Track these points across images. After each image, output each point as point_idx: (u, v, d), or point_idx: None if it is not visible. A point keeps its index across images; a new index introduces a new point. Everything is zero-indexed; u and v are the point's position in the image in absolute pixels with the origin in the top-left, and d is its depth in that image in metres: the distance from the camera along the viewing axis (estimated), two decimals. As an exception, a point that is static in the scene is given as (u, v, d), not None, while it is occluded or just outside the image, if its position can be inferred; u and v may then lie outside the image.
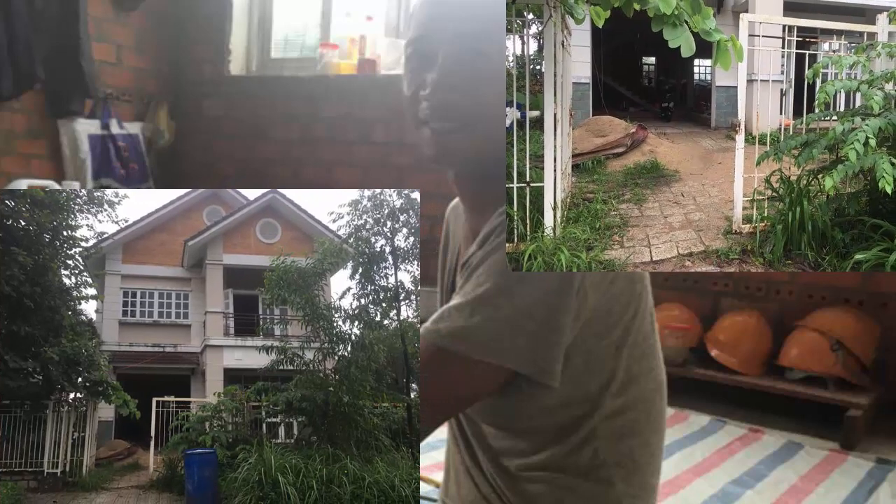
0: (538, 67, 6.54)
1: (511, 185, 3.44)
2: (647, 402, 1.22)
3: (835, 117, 3.57)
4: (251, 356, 6.12)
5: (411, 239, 4.74)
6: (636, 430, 1.21)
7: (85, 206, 5.18)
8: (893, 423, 3.02)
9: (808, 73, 3.52)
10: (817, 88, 3.35)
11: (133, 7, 5.47)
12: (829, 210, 3.40)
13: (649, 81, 19.37)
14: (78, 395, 5.22)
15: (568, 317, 1.07)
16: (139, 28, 5.59)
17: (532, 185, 3.45)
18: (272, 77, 5.57)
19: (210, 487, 4.03)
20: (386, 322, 4.83)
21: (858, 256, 2.89)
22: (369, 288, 4.79)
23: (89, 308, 6.94)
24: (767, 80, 5.00)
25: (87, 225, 5.22)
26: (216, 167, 5.62)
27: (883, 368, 3.19)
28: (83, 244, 5.25)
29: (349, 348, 4.66)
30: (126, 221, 7.74)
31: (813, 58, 4.43)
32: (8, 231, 4.45)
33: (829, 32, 5.05)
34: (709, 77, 14.06)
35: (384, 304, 4.76)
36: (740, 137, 3.90)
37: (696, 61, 17.51)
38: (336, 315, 4.73)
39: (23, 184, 4.58)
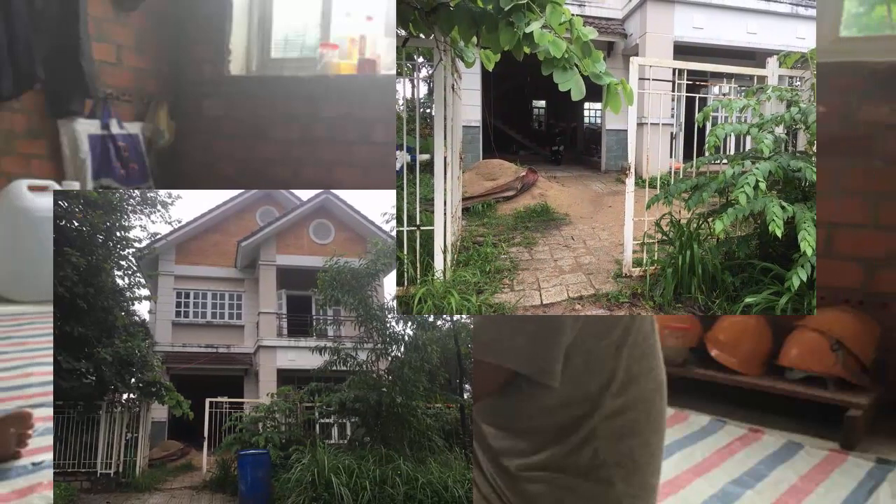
0: (428, 111, 6.60)
1: (401, 229, 3.45)
2: (647, 402, 1.23)
3: (725, 161, 3.59)
4: (304, 357, 6.13)
5: None
6: (636, 430, 1.21)
7: (138, 207, 5.17)
8: (893, 423, 3.02)
9: (698, 116, 3.53)
10: (707, 132, 3.37)
11: (133, 7, 5.47)
12: (720, 253, 3.42)
13: (539, 125, 19.57)
14: (131, 395, 5.21)
15: (568, 317, 1.08)
16: (139, 28, 5.59)
17: (422, 228, 3.47)
18: (272, 77, 5.57)
19: (263, 488, 4.03)
20: (439, 323, 4.83)
21: (749, 300, 2.90)
22: None
23: (142, 309, 6.97)
24: (658, 124, 5.02)
25: (141, 225, 5.21)
26: (216, 167, 5.62)
27: (883, 368, 3.19)
28: (136, 245, 5.24)
29: (402, 349, 4.66)
30: (179, 222, 7.83)
31: (703, 101, 4.46)
32: (61, 232, 4.45)
33: (719, 76, 5.07)
34: (599, 120, 14.24)
35: None
36: (630, 181, 3.92)
37: (587, 105, 17.72)
38: (389, 316, 4.72)
39: (23, 184, 4.58)
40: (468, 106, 8.97)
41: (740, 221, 3.47)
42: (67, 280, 4.19)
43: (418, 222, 3.46)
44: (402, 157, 3.95)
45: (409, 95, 4.80)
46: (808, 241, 2.64)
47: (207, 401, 5.78)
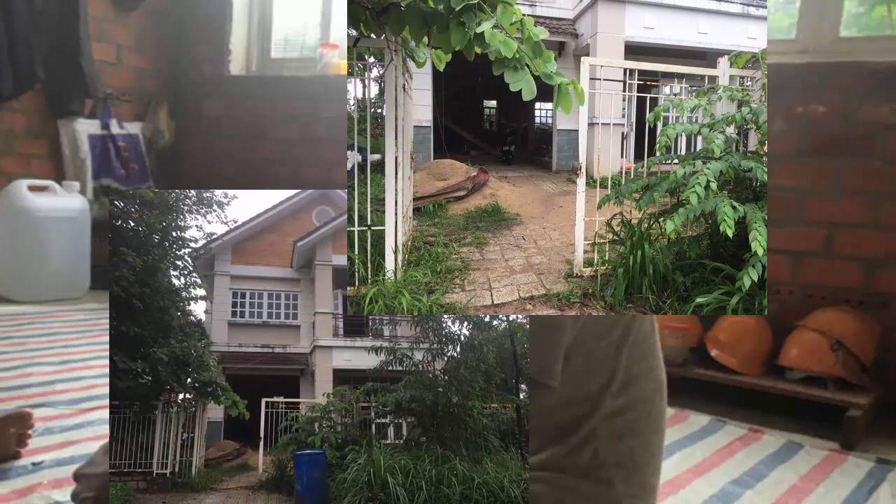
0: (379, 111, 6.61)
1: (352, 229, 3.46)
2: (647, 402, 1.23)
3: (676, 161, 3.60)
4: (360, 357, 6.12)
5: None
6: (636, 430, 1.21)
7: (194, 207, 5.18)
8: (893, 423, 3.02)
9: (649, 116, 3.53)
10: (658, 132, 3.36)
11: (133, 7, 5.48)
12: (671, 253, 3.42)
13: (490, 125, 19.62)
14: (187, 395, 5.21)
15: (568, 317, 1.08)
16: (139, 28, 5.59)
17: (373, 228, 3.47)
18: (272, 77, 5.57)
19: (319, 488, 4.03)
20: (495, 323, 4.82)
21: (700, 300, 2.90)
22: None
23: (198, 309, 6.99)
24: (609, 124, 5.04)
25: (197, 226, 5.23)
26: (216, 167, 5.62)
27: (883, 368, 3.19)
28: (192, 245, 5.25)
29: (458, 349, 4.66)
30: (235, 222, 7.88)
31: (654, 101, 4.46)
32: (118, 232, 4.45)
33: (670, 76, 5.07)
34: (550, 120, 14.27)
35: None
36: (581, 181, 3.92)
37: (538, 105, 17.74)
38: (445, 315, 4.71)
39: (23, 184, 4.58)
40: (419, 106, 8.99)
41: (691, 221, 3.48)
42: (123, 280, 4.18)
43: (369, 222, 3.48)
44: (353, 157, 3.97)
45: (360, 95, 4.83)
46: (758, 241, 2.64)
47: (263, 401, 5.79)
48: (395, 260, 3.50)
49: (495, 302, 3.61)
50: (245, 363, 7.83)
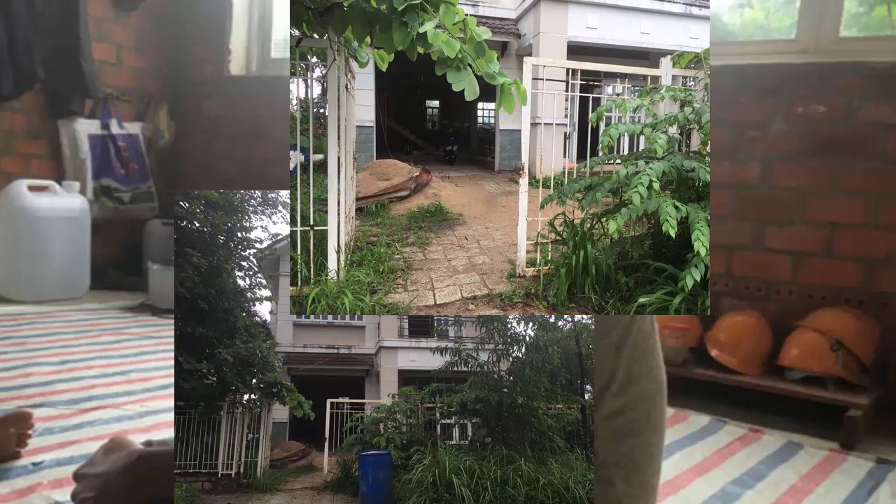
0: (322, 111, 6.62)
1: (295, 229, 3.46)
2: (647, 402, 1.22)
3: (618, 161, 3.60)
4: (425, 358, 6.12)
5: None
6: (636, 430, 1.21)
7: (259, 208, 5.16)
8: (893, 423, 3.02)
9: (591, 116, 3.53)
10: (601, 132, 3.37)
11: (133, 7, 5.47)
12: (613, 253, 3.42)
13: (433, 125, 19.66)
14: (252, 396, 5.21)
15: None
16: (139, 28, 5.59)
17: (316, 228, 3.48)
18: (272, 77, 5.57)
19: (384, 489, 4.03)
20: (560, 324, 4.82)
21: (642, 300, 2.91)
22: None
23: (264, 309, 6.99)
24: (551, 124, 5.04)
25: (262, 226, 5.19)
26: (216, 167, 5.62)
27: (883, 368, 3.19)
28: (257, 245, 5.25)
29: (524, 350, 4.66)
30: None
31: (597, 101, 4.47)
32: (183, 233, 4.45)
33: (612, 75, 5.08)
34: (492, 120, 14.32)
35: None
36: (524, 181, 3.93)
37: (480, 105, 17.79)
38: (511, 316, 4.71)
39: (23, 184, 4.58)
40: (362, 106, 9.00)
41: (634, 221, 3.49)
42: (188, 281, 4.18)
43: (312, 222, 3.49)
44: (296, 157, 3.97)
45: (302, 95, 4.83)
46: (701, 241, 2.64)
47: (328, 401, 5.80)
48: (338, 260, 3.52)
49: (438, 302, 3.63)
50: (310, 364, 7.83)
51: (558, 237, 3.79)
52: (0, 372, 3.17)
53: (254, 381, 4.95)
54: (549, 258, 3.87)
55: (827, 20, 3.40)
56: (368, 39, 3.01)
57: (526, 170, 3.92)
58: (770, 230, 3.55)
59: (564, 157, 8.02)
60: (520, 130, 4.05)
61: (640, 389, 1.20)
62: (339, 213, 3.51)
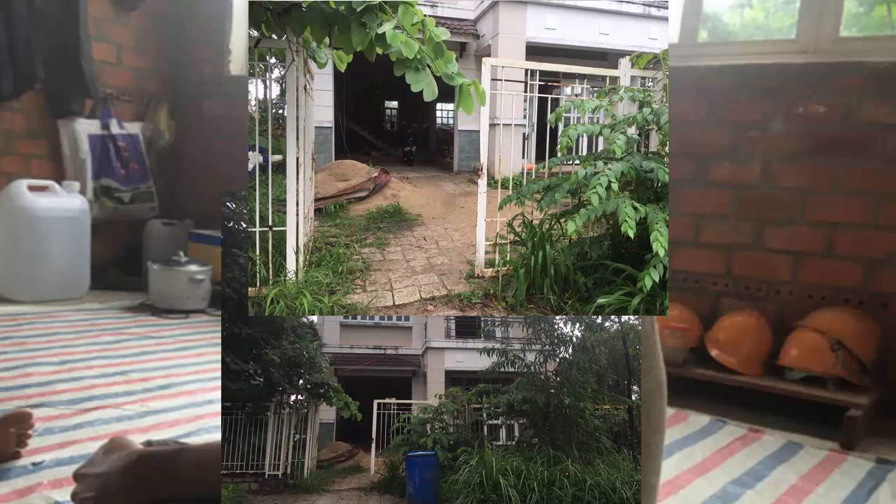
0: (281, 111, 6.62)
1: (254, 230, 3.47)
2: (647, 402, 1.23)
3: (577, 161, 3.60)
4: (472, 358, 6.10)
5: None
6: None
7: None
8: (893, 423, 3.02)
9: (550, 117, 3.53)
10: (560, 132, 3.36)
11: (133, 7, 5.48)
12: (572, 254, 3.42)
13: (392, 125, 19.71)
14: (299, 396, 5.19)
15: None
16: (139, 28, 5.59)
17: (274, 229, 3.48)
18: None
19: (431, 490, 4.01)
20: (607, 324, 4.79)
21: (601, 300, 2.90)
22: None
23: None
24: (510, 124, 5.04)
25: None
26: (216, 167, 5.62)
27: (883, 368, 3.19)
28: None
29: (570, 350, 4.63)
30: None
31: (556, 102, 4.47)
32: (229, 233, 4.44)
33: (571, 76, 5.07)
34: (451, 121, 14.36)
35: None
36: (482, 181, 3.93)
37: (439, 105, 17.83)
38: (557, 317, 4.69)
39: (23, 184, 4.59)
40: (321, 107, 9.01)
41: (593, 222, 3.49)
42: (235, 281, 4.17)
43: (270, 223, 3.49)
44: (255, 158, 3.98)
45: (261, 96, 4.84)
46: (660, 242, 2.64)
47: (375, 402, 5.77)
48: (297, 261, 3.53)
49: (397, 303, 3.63)
50: (357, 364, 7.81)
51: (517, 238, 3.80)
52: (0, 372, 3.17)
53: (301, 381, 4.95)
54: (508, 259, 3.88)
55: (827, 20, 3.40)
56: (327, 40, 3.02)
57: (484, 170, 3.94)
58: (770, 230, 3.55)
59: (523, 157, 8.03)
60: (478, 131, 4.06)
61: (640, 389, 1.20)
62: (297, 214, 3.53)
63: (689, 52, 3.77)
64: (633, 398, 4.65)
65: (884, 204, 3.24)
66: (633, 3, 11.05)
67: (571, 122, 3.95)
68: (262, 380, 4.50)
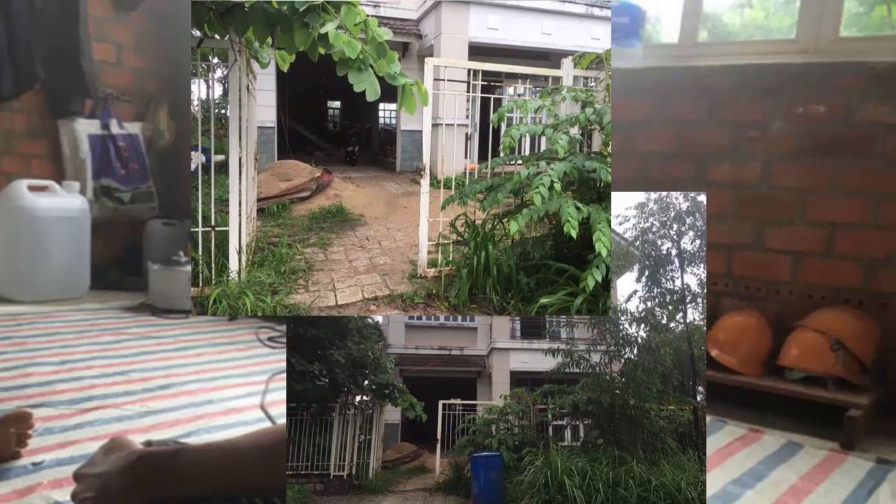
0: (223, 111, 6.63)
1: (196, 230, 3.47)
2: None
3: (520, 161, 3.60)
4: (537, 359, 6.10)
5: (697, 242, 4.65)
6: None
7: None
8: (893, 423, 3.02)
9: (493, 117, 3.53)
10: (502, 132, 3.37)
11: (133, 7, 5.48)
12: (515, 254, 3.44)
13: (334, 125, 19.76)
14: (364, 397, 5.21)
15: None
16: (139, 28, 5.59)
17: (217, 229, 3.48)
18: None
19: (496, 490, 4.02)
20: (672, 325, 4.81)
21: (543, 300, 2.91)
22: (655, 291, 4.75)
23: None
24: (453, 124, 5.06)
25: None
26: (216, 167, 5.62)
27: (883, 368, 3.19)
28: None
29: (635, 351, 4.65)
30: None
31: (498, 102, 4.47)
32: None
33: (514, 76, 5.08)
34: (394, 121, 14.41)
35: (670, 307, 4.73)
36: (425, 181, 3.93)
37: (382, 105, 17.87)
38: (622, 318, 4.71)
39: (23, 184, 4.58)
40: (263, 107, 9.04)
41: (535, 222, 3.49)
42: None
43: (213, 223, 3.49)
44: (198, 158, 3.99)
45: (203, 96, 4.86)
46: (602, 242, 2.64)
47: (440, 403, 5.78)
48: (240, 261, 3.54)
49: (339, 303, 3.64)
50: (422, 365, 7.82)
51: (459, 238, 3.82)
52: (0, 372, 3.17)
53: (366, 382, 4.97)
54: (451, 259, 3.88)
55: (827, 20, 3.40)
56: (270, 40, 3.03)
57: (427, 170, 3.95)
58: (770, 230, 3.55)
59: (466, 157, 8.06)
60: (421, 131, 4.08)
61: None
62: (240, 214, 3.53)
63: (689, 52, 3.77)
64: (699, 399, 4.65)
65: (884, 204, 3.24)
66: (575, 3, 11.09)
67: (514, 122, 3.97)
68: (327, 380, 4.53)
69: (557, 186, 2.80)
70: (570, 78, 4.17)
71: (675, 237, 4.73)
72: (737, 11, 4.10)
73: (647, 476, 3.52)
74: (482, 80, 4.14)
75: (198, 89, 4.79)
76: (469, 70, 4.25)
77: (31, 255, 4.57)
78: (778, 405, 3.18)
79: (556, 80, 4.27)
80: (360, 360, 4.69)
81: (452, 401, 5.88)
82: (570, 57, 4.21)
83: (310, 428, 4.86)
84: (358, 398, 5.18)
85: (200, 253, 3.50)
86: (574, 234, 2.71)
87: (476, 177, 4.13)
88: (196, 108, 4.97)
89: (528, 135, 3.30)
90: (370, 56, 2.73)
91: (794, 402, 3.13)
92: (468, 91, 4.37)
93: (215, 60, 4.36)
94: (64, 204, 4.73)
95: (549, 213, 2.96)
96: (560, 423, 5.23)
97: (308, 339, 4.31)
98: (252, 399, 3.01)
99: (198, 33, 3.28)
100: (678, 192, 4.37)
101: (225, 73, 4.02)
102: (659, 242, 4.80)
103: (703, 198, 3.93)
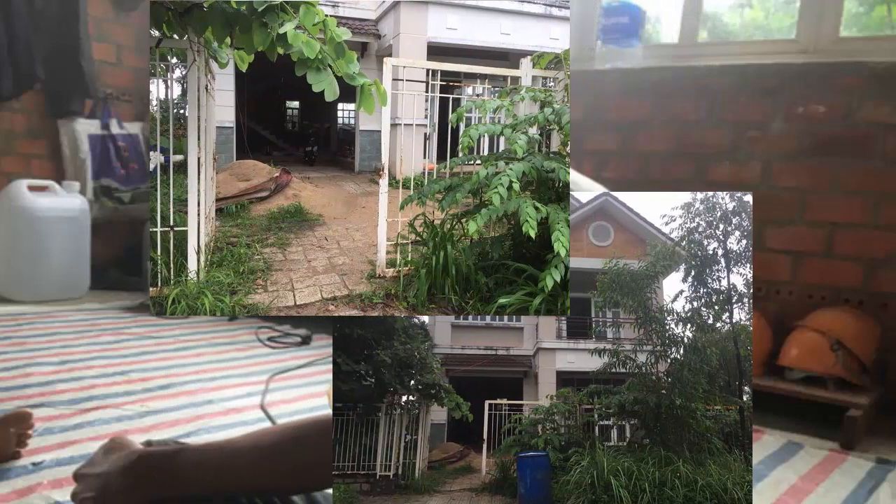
0: (182, 111, 6.64)
1: (155, 230, 3.48)
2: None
3: (478, 161, 3.61)
4: (583, 359, 6.10)
5: (744, 241, 4.64)
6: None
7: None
8: (893, 423, 3.02)
9: (451, 117, 3.54)
10: (461, 132, 3.37)
11: (133, 7, 5.47)
12: (473, 254, 3.44)
13: (293, 125, 19.80)
14: (410, 397, 5.20)
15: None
16: (139, 28, 5.59)
17: (176, 229, 3.49)
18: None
19: (542, 490, 4.03)
20: (718, 325, 4.79)
21: (502, 300, 2.91)
22: (702, 290, 4.74)
23: None
24: (411, 125, 5.07)
25: None
26: (216, 167, 5.62)
27: (883, 368, 3.19)
28: None
29: (682, 351, 4.64)
30: None
31: (457, 102, 4.47)
32: None
33: (473, 76, 5.09)
34: (353, 121, 14.44)
35: (717, 307, 4.71)
36: (384, 181, 3.94)
37: (341, 105, 17.89)
38: (669, 318, 4.70)
39: (23, 184, 4.58)
40: (222, 107, 9.04)
41: (494, 222, 3.50)
42: None
43: (172, 223, 3.50)
44: (156, 158, 4.01)
45: (162, 96, 4.89)
46: (561, 242, 2.64)
47: (487, 403, 5.78)
48: (198, 261, 3.55)
49: (298, 303, 3.64)
50: (468, 365, 7.82)
51: (418, 238, 3.82)
52: (0, 372, 3.17)
53: (412, 382, 4.97)
54: (409, 259, 3.90)
55: (827, 20, 3.40)
56: (228, 40, 3.03)
57: (386, 170, 3.95)
58: (770, 230, 3.55)
59: (424, 157, 8.08)
60: (380, 131, 4.09)
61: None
62: (199, 214, 3.55)
63: (689, 52, 3.77)
64: (745, 399, 4.65)
65: (884, 204, 3.24)
66: (534, 3, 11.10)
67: (473, 122, 3.98)
68: (373, 380, 4.53)
69: (516, 186, 2.81)
70: (529, 78, 4.19)
71: (721, 237, 4.73)
72: (737, 11, 4.10)
73: (693, 476, 3.52)
74: (441, 80, 4.16)
75: (157, 89, 4.81)
76: (428, 70, 4.26)
77: (31, 255, 4.57)
78: (778, 405, 3.18)
79: (515, 80, 4.29)
80: (406, 360, 4.71)
81: (498, 401, 5.88)
82: (529, 57, 4.23)
83: (356, 428, 4.87)
84: (404, 398, 5.19)
85: (159, 253, 3.52)
86: (533, 234, 2.71)
87: (435, 177, 4.14)
88: (155, 108, 5.00)
89: (486, 135, 3.32)
90: (329, 56, 2.74)
91: (794, 402, 3.13)
92: (427, 91, 4.38)
93: (174, 60, 4.36)
94: (64, 204, 4.72)
95: (507, 213, 2.96)
96: (606, 423, 5.23)
97: (354, 340, 4.33)
98: (252, 399, 3.01)
99: (156, 33, 3.30)
100: (724, 192, 4.37)
101: (184, 73, 4.03)
102: (705, 242, 4.80)
103: (749, 198, 3.93)
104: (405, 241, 3.97)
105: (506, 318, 8.41)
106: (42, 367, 3.26)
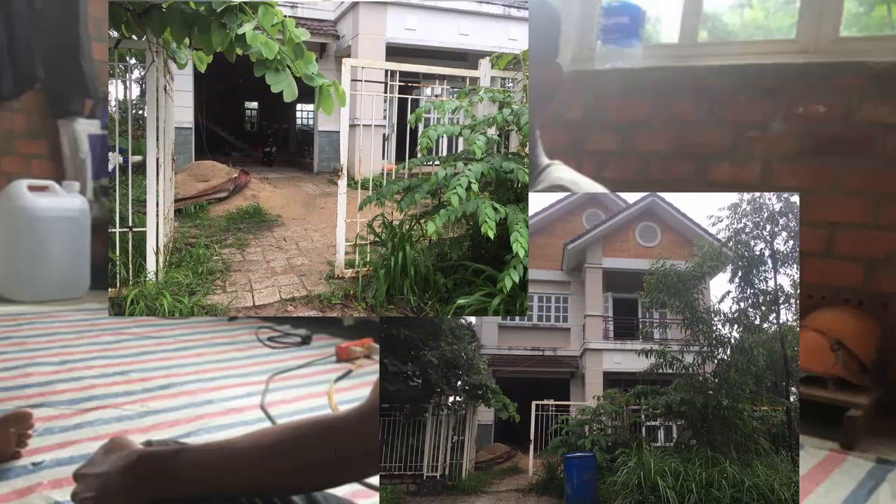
0: (141, 112, 6.68)
1: (113, 230, 3.48)
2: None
3: (437, 162, 3.61)
4: (630, 360, 6.08)
5: (791, 242, 4.62)
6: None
7: None
8: (893, 423, 3.02)
9: (410, 117, 3.54)
10: (420, 133, 3.37)
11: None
12: (432, 255, 3.44)
13: (252, 126, 19.84)
14: (457, 398, 5.19)
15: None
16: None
17: (134, 229, 3.50)
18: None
19: (589, 491, 4.02)
20: (765, 326, 4.77)
21: (461, 301, 2.91)
22: (748, 291, 4.71)
23: None
24: (370, 125, 5.07)
25: None
26: (216, 167, 5.62)
27: (883, 368, 3.19)
28: None
29: (728, 352, 4.61)
30: None
31: (416, 102, 4.48)
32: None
33: (431, 77, 5.10)
34: (311, 122, 14.46)
35: (763, 308, 4.68)
36: (342, 182, 3.94)
37: (299, 106, 17.92)
38: (715, 318, 4.67)
39: (23, 184, 4.58)
40: (181, 107, 9.07)
41: (453, 223, 3.50)
42: None
43: (130, 223, 3.51)
44: (115, 159, 4.02)
45: (121, 97, 4.93)
46: (520, 243, 2.64)
47: (533, 403, 5.77)
48: (157, 261, 3.56)
49: (257, 303, 3.65)
50: (515, 366, 7.82)
51: (377, 238, 3.83)
52: (0, 372, 3.17)
53: (459, 383, 4.97)
54: (368, 259, 3.90)
55: (827, 20, 3.40)
56: (187, 41, 3.04)
57: (345, 171, 3.96)
58: (770, 230, 3.55)
59: (383, 158, 8.09)
60: (338, 132, 4.09)
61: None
62: (157, 215, 3.55)
63: (689, 52, 3.77)
64: (792, 399, 4.65)
65: (884, 204, 3.24)
66: (492, 4, 11.12)
67: (431, 123, 3.98)
68: (420, 381, 4.53)
69: (475, 187, 2.81)
70: (488, 79, 4.20)
71: (768, 238, 4.73)
72: (737, 11, 4.10)
73: (739, 477, 3.52)
74: (399, 81, 4.16)
75: (115, 90, 4.82)
76: (386, 71, 4.27)
77: (31, 255, 4.57)
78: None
79: (474, 80, 4.30)
80: (453, 361, 4.70)
81: (545, 401, 5.87)
82: (488, 58, 4.24)
83: (403, 429, 4.87)
84: (451, 399, 5.18)
85: (118, 253, 3.53)
86: (491, 234, 2.72)
87: (393, 177, 4.15)
88: (114, 109, 5.01)
89: (445, 135, 3.33)
90: (287, 57, 2.75)
91: (794, 402, 3.13)
92: (386, 92, 4.39)
93: (133, 61, 4.37)
94: (64, 204, 4.73)
95: (466, 214, 2.97)
96: (653, 423, 5.21)
97: (401, 340, 4.33)
98: (252, 399, 3.01)
99: (115, 34, 3.30)
100: (771, 193, 4.37)
101: (142, 73, 4.04)
102: (752, 243, 4.80)
103: (796, 198, 3.93)
104: (364, 242, 3.99)
105: (552, 318, 8.43)
106: (42, 367, 3.26)
